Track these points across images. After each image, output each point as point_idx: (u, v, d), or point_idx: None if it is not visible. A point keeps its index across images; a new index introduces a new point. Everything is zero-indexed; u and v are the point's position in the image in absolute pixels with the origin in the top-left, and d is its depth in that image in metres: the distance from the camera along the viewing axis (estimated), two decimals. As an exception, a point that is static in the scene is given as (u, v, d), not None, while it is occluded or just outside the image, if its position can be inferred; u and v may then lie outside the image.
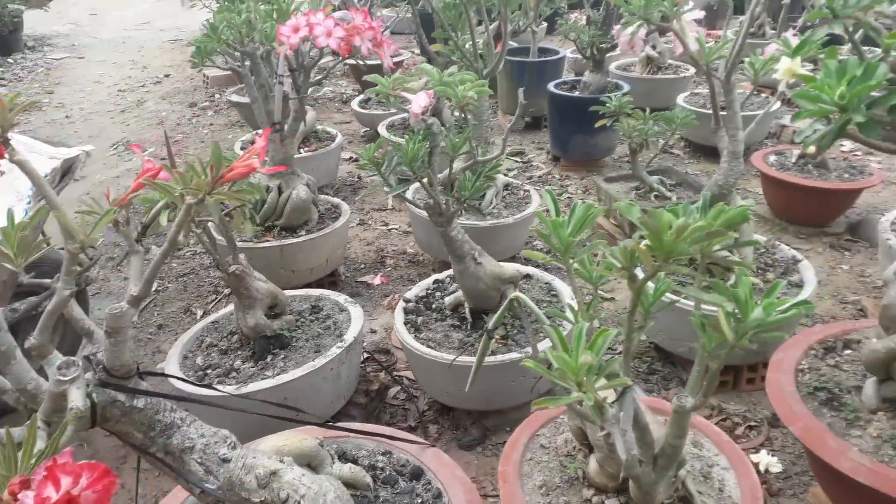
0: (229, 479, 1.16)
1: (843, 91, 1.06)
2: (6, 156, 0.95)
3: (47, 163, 2.16)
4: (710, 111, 2.22)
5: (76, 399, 0.87)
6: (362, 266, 3.23)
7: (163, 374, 1.68)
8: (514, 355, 1.96)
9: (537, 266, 2.64)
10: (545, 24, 6.46)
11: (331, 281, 3.00)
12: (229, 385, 1.92)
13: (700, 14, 2.46)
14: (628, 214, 1.21)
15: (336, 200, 3.10)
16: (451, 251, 2.04)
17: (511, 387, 2.00)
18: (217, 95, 6.16)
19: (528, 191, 3.07)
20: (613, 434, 1.17)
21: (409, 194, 3.02)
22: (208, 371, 2.02)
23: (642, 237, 1.03)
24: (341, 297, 2.30)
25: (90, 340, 1.10)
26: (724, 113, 2.17)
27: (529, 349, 1.99)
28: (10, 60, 7.96)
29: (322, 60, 2.63)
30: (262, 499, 1.17)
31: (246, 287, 2.03)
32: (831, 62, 1.13)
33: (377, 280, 3.06)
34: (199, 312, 2.94)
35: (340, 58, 2.27)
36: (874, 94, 1.06)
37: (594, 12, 4.48)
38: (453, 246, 2.02)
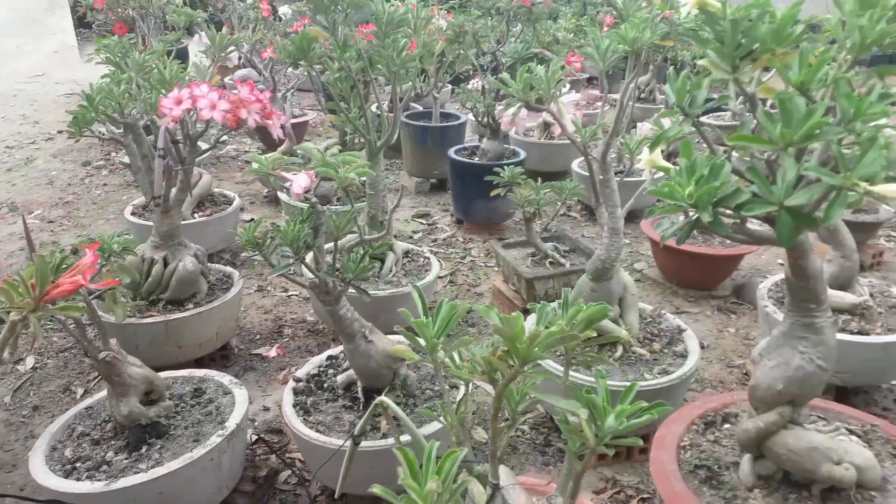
0: None
1: (692, 190, 1.11)
2: None
3: None
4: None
5: None
6: (258, 336, 3.12)
7: (15, 496, 1.52)
8: (405, 438, 1.91)
9: (460, 323, 2.61)
10: (449, 87, 6.63)
11: (222, 354, 2.87)
12: (99, 480, 1.77)
13: (576, 96, 2.55)
14: (487, 318, 1.21)
15: (228, 270, 2.99)
16: (341, 330, 1.99)
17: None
18: (113, 153, 5.92)
19: (429, 258, 3.07)
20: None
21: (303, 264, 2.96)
22: (77, 464, 1.86)
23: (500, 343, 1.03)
24: (226, 378, 2.19)
25: None
26: (602, 189, 2.25)
27: (425, 429, 1.95)
28: None
29: (213, 130, 2.57)
30: None
31: (118, 374, 1.90)
32: (684, 160, 1.18)
33: (273, 352, 2.96)
34: (80, 391, 2.73)
35: (228, 128, 2.22)
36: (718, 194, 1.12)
37: (493, 80, 4.63)
38: (342, 325, 1.97)
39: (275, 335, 3.13)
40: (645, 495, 2.09)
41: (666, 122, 1.73)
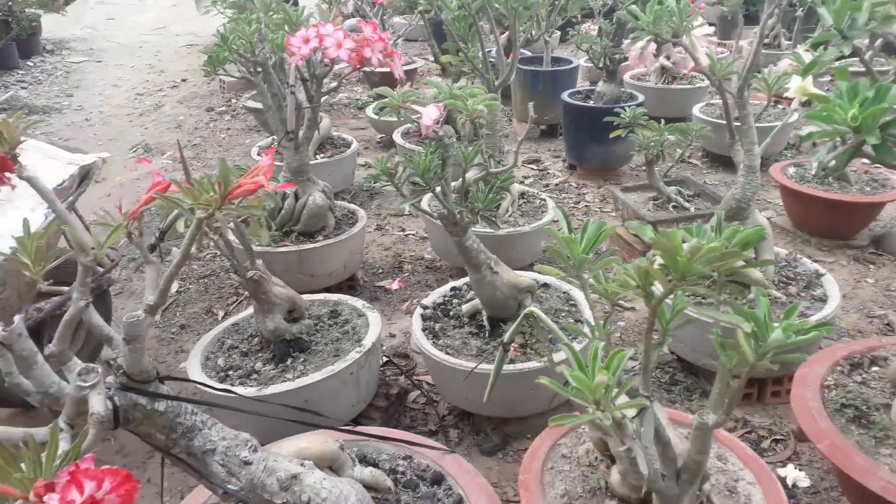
0: (251, 480, 1.16)
1: (856, 113, 1.06)
2: (16, 172, 0.95)
3: (65, 168, 2.18)
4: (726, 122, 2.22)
5: (97, 405, 0.87)
6: (380, 271, 3.24)
7: (182, 379, 1.68)
8: (532, 364, 1.95)
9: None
10: (558, 34, 6.47)
11: (349, 285, 3.00)
12: (250, 386, 1.93)
13: (710, 29, 2.44)
14: (641, 234, 1.21)
15: (353, 206, 3.11)
16: (467, 260, 2.04)
17: (531, 395, 2.00)
18: (233, 100, 6.20)
19: (545, 199, 3.07)
20: (634, 449, 1.16)
21: (423, 203, 3.03)
22: (230, 372, 2.03)
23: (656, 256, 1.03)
24: (359, 303, 2.30)
25: (110, 346, 1.10)
26: (740, 126, 2.16)
27: (553, 356, 1.99)
28: (29, 64, 8.05)
29: (337, 67, 2.64)
30: (284, 501, 1.17)
31: (264, 292, 2.04)
32: (842, 83, 1.12)
33: (395, 285, 3.07)
34: (221, 313, 2.95)
35: (352, 68, 2.28)
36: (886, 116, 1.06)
37: (606, 23, 4.48)
38: (469, 255, 2.02)
39: (395, 270, 3.24)
40: (778, 437, 2.05)
41: (807, 57, 1.64)
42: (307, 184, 2.85)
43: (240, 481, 1.15)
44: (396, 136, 4.17)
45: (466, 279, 2.42)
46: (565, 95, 4.08)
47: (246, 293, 3.11)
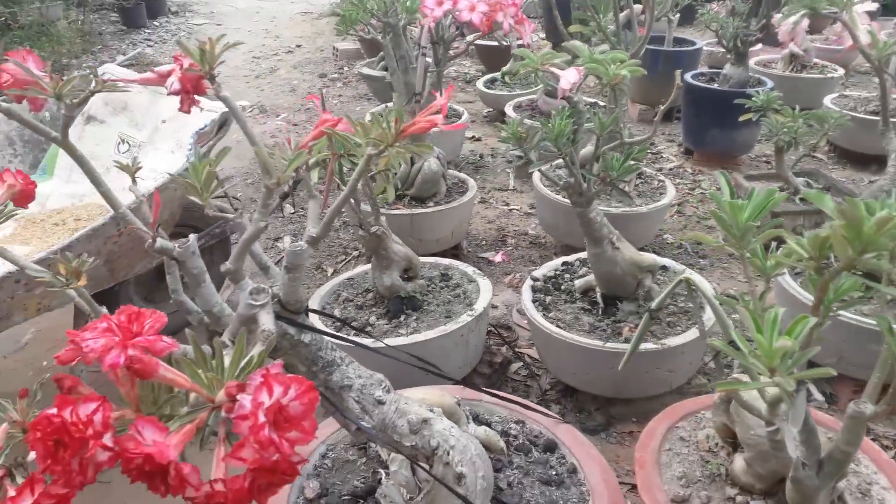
0: (383, 420, 1.18)
1: None
2: (213, 91, 0.99)
3: (205, 114, 2.28)
4: (863, 115, 2.07)
5: (267, 322, 0.91)
6: (483, 242, 3.24)
7: (329, 315, 1.74)
8: (648, 346, 1.90)
9: (672, 259, 2.55)
10: (678, 15, 6.21)
11: (453, 254, 3.02)
12: (365, 339, 1.97)
13: (873, 6, 2.27)
14: (819, 203, 1.13)
15: (463, 176, 3.12)
16: (588, 234, 2.00)
17: (644, 377, 1.95)
18: (346, 68, 6.32)
19: (663, 181, 2.97)
20: (784, 430, 1.11)
21: (536, 175, 3.00)
22: (344, 323, 2.08)
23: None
24: (469, 269, 2.31)
25: (267, 275, 1.14)
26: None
27: (666, 340, 1.93)
28: (155, 24, 8.50)
29: (468, 38, 2.64)
30: (413, 444, 1.19)
31: (385, 248, 2.07)
32: None
33: (498, 257, 3.06)
34: (330, 270, 3.04)
35: (482, 32, 2.26)
36: None
37: (739, 2, 4.25)
38: (591, 228, 1.98)
39: (498, 243, 3.23)
40: (905, 447, 1.92)
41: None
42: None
43: (372, 419, 1.17)
44: (508, 109, 4.14)
45: (577, 255, 2.39)
46: (688, 76, 3.92)
47: (354, 253, 3.18)
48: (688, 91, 3.89)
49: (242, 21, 8.80)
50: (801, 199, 2.89)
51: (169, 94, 0.93)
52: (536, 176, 2.97)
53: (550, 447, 1.51)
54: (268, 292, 0.93)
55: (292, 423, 0.67)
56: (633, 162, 1.75)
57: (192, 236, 0.97)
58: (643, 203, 2.79)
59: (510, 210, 3.58)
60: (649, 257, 2.05)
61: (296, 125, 4.94)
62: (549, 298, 2.17)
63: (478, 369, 2.19)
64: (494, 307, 2.70)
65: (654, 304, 1.36)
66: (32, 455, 0.85)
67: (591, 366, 1.98)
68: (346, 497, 1.44)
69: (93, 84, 0.90)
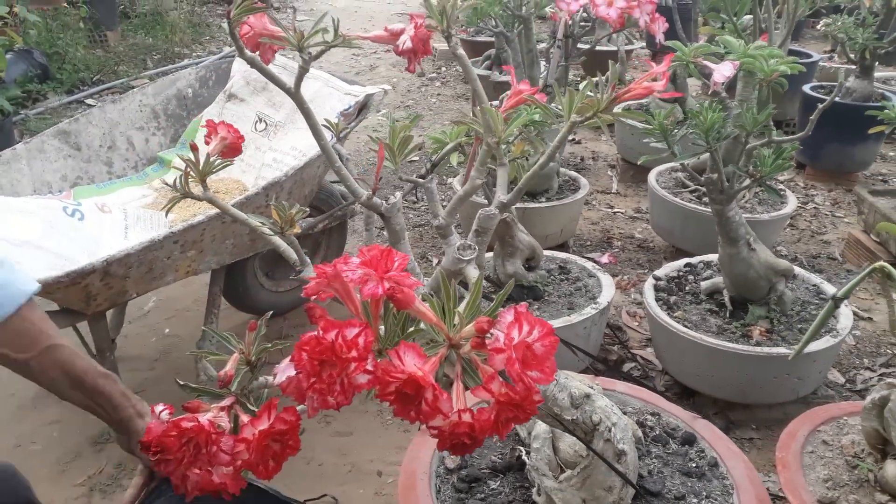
0: (544, 392, 1.21)
1: None
2: (451, 49, 1.03)
3: (345, 98, 2.37)
4: None
5: (474, 275, 0.95)
6: (588, 243, 3.23)
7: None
8: (781, 350, 1.86)
9: (803, 266, 2.49)
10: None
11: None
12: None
13: None
14: None
15: (574, 174, 3.12)
16: (724, 233, 1.97)
17: (771, 383, 1.91)
18: (443, 68, 6.42)
19: (785, 190, 2.89)
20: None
21: (652, 177, 2.97)
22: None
23: None
24: (588, 264, 2.32)
25: (446, 239, 1.19)
26: None
27: (797, 345, 1.89)
28: (260, 19, 8.83)
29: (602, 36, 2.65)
30: (574, 418, 1.21)
31: (511, 236, 2.10)
32: None
33: (605, 259, 3.04)
34: (434, 261, 3.10)
35: (612, 29, 2.27)
36: None
37: (869, 14, 4.10)
38: (728, 227, 1.95)
39: (604, 244, 3.22)
40: None
41: None
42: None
43: (534, 391, 1.20)
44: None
45: (700, 257, 2.36)
46: (807, 88, 3.80)
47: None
48: (805, 103, 3.78)
49: (343, 19, 9.00)
50: (934, 218, 2.77)
51: (399, 54, 0.98)
52: (652, 177, 2.95)
53: (689, 440, 1.50)
54: (475, 248, 0.97)
55: (537, 361, 0.70)
56: (783, 160, 1.72)
57: (397, 193, 1.02)
58: (764, 210, 2.72)
59: (615, 213, 3.56)
60: (785, 262, 2.01)
61: (397, 121, 5.03)
62: (672, 298, 2.15)
63: (593, 365, 2.19)
64: (604, 306, 2.70)
65: (840, 293, 1.32)
66: (257, 382, 0.92)
67: (716, 367, 1.95)
68: (484, 470, 1.47)
69: (332, 37, 0.97)
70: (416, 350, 0.70)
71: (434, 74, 6.25)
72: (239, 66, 2.63)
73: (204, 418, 0.82)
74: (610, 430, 1.20)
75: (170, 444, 0.79)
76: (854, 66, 3.66)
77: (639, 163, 2.40)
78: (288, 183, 2.01)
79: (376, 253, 0.76)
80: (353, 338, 0.70)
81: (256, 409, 0.87)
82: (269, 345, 0.88)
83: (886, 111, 2.85)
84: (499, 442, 1.55)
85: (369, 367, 0.70)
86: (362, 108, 2.23)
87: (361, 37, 1.03)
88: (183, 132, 2.65)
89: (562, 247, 3.03)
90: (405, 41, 0.98)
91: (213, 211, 1.92)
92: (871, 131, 2.89)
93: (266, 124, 2.52)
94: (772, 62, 1.69)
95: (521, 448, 1.48)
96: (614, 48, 5.68)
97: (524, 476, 1.44)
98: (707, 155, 2.32)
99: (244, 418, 0.85)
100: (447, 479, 1.45)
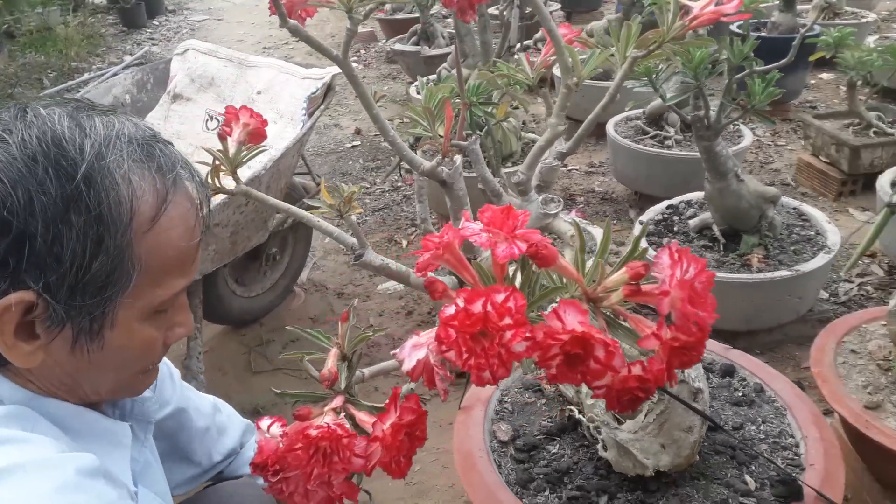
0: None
1: None
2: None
3: (304, 82, 2.25)
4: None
5: (563, 227, 0.90)
6: (554, 203, 3.24)
7: None
8: (783, 272, 1.91)
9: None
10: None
11: (531, 214, 3.02)
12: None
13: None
14: None
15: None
16: (713, 168, 1.99)
17: (776, 305, 1.96)
18: (362, 51, 6.27)
19: (739, 128, 2.97)
20: None
21: (610, 127, 2.99)
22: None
23: None
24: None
25: (499, 201, 1.13)
26: None
27: (798, 267, 1.95)
28: (155, 23, 8.38)
29: None
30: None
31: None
32: None
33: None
34: (404, 243, 3.03)
35: None
36: None
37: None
38: (716, 162, 1.98)
39: (568, 202, 3.23)
40: None
41: None
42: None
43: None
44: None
45: (679, 197, 2.39)
46: (733, 26, 3.91)
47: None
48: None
49: (243, 14, 8.68)
50: (875, 133, 2.92)
51: (446, 5, 0.92)
52: (610, 128, 2.97)
53: (728, 371, 1.51)
54: (559, 201, 0.93)
55: (700, 298, 0.67)
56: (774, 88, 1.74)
57: (457, 157, 0.96)
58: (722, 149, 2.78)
59: (569, 171, 3.58)
60: (772, 189, 2.06)
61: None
62: (664, 241, 2.17)
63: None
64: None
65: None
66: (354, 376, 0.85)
67: (722, 300, 1.97)
68: (539, 436, 1.43)
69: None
70: (577, 307, 0.64)
71: (354, 58, 6.10)
72: (179, 64, 2.46)
73: (323, 423, 0.74)
74: (683, 371, 1.18)
75: (296, 458, 0.71)
76: (777, 1, 3.79)
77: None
78: (266, 176, 1.90)
79: (496, 213, 0.71)
80: (503, 303, 0.64)
81: (367, 406, 0.80)
82: (370, 333, 0.81)
83: (823, 38, 2.96)
84: (545, 406, 1.52)
85: (527, 334, 0.64)
86: (328, 89, 2.13)
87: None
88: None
89: (531, 210, 3.02)
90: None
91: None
92: (811, 58, 3.00)
93: (218, 122, 2.37)
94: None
95: (571, 407, 1.46)
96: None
97: (581, 435, 1.42)
98: (659, 101, 2.35)
99: (361, 416, 0.78)
100: (504, 453, 1.41)
